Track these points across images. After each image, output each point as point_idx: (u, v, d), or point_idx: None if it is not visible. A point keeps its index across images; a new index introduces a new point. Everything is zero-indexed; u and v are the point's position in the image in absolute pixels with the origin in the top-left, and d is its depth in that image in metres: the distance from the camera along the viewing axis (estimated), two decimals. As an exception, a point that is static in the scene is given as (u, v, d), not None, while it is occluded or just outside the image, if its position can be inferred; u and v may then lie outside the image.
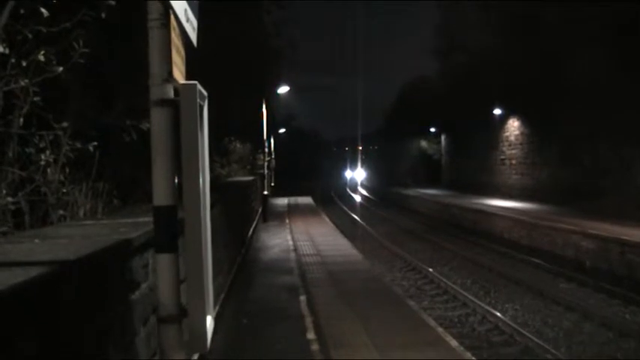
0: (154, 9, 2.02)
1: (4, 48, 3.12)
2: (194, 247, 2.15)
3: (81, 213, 3.90)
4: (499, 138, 28.11)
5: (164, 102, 2.05)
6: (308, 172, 76.13)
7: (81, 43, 3.50)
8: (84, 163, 4.03)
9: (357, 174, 73.22)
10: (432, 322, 7.51)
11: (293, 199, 33.17)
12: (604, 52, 16.49)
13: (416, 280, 13.61)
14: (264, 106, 21.85)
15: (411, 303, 8.89)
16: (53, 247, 2.25)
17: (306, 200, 34.05)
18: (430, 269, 14.27)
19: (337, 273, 10.52)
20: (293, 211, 25.75)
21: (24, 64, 3.29)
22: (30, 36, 3.27)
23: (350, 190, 61.39)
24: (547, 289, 11.80)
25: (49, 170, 3.65)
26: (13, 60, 3.24)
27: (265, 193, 22.05)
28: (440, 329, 7.15)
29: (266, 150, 25.07)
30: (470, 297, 11.21)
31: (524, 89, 22.06)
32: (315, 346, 6.12)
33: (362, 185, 66.09)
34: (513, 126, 26.70)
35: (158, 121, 2.06)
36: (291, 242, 14.83)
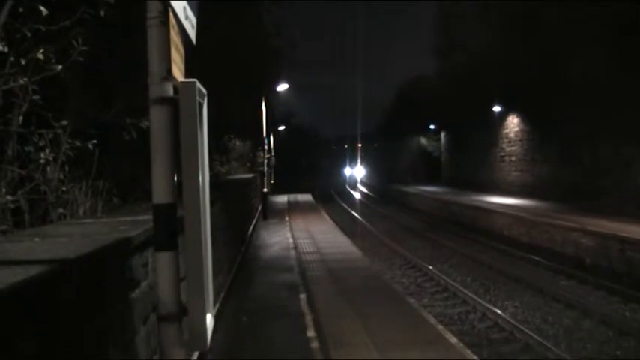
0: (153, 7, 2.02)
1: (3, 46, 3.12)
2: (194, 245, 2.15)
3: (81, 211, 3.90)
4: (499, 135, 28.10)
5: (163, 100, 2.05)
6: (308, 169, 76.13)
7: (80, 41, 3.49)
8: (83, 161, 4.03)
9: (356, 172, 73.25)
10: (432, 320, 7.52)
11: (293, 197, 33.20)
12: (604, 52, 16.48)
13: (416, 278, 13.62)
14: (263, 104, 21.84)
15: (411, 300, 8.90)
16: (53, 245, 2.25)
17: (306, 198, 34.08)
18: (430, 266, 14.28)
19: (337, 270, 10.53)
20: (293, 208, 25.76)
21: (23, 62, 3.28)
22: (29, 34, 3.26)
23: (349, 187, 61.41)
24: (547, 286, 11.81)
25: (48, 169, 3.65)
26: (12, 58, 3.24)
27: (265, 190, 22.05)
28: (440, 326, 7.16)
29: (266, 148, 25.08)
30: (470, 294, 11.22)
31: (524, 89, 22.06)
32: (315, 344, 6.13)
33: (362, 183, 66.09)
34: (513, 123, 26.68)
35: (157, 119, 2.05)
36: (291, 240, 14.84)
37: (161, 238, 2.08)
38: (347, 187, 61.09)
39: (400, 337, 6.37)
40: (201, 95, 2.32)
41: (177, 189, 2.10)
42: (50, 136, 3.65)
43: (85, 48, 3.51)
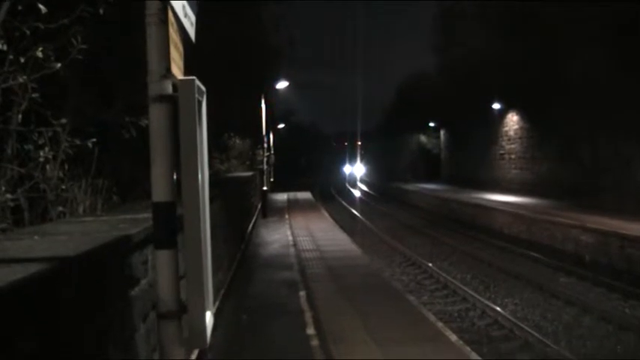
0: (152, 5, 2.02)
1: (2, 44, 3.11)
2: (193, 243, 2.15)
3: (80, 209, 3.90)
4: (498, 132, 28.09)
5: (162, 98, 2.05)
6: (307, 167, 76.17)
7: (79, 39, 3.49)
8: (83, 159, 4.03)
9: (356, 169, 73.23)
10: (432, 317, 7.53)
11: (292, 195, 33.19)
12: (604, 52, 16.45)
13: (415, 275, 13.63)
14: (263, 103, 21.82)
15: (411, 298, 8.91)
16: (52, 243, 2.25)
17: (306, 195, 34.08)
18: (430, 264, 14.28)
19: (337, 268, 10.54)
20: (292, 206, 25.75)
21: (22, 60, 3.28)
22: (28, 32, 3.26)
23: (349, 185, 61.40)
24: (547, 283, 11.82)
25: (48, 167, 3.65)
26: (11, 56, 3.24)
27: (265, 188, 22.03)
28: (439, 324, 7.17)
29: (265, 145, 25.05)
30: (469, 291, 11.23)
31: (524, 88, 22.04)
32: (314, 342, 6.14)
33: (361, 180, 66.06)
34: (512, 120, 26.66)
35: (157, 117, 2.05)
36: (290, 238, 14.85)
37: (161, 236, 2.08)
38: (347, 185, 61.07)
39: (400, 335, 6.38)
40: (201, 93, 2.32)
41: (177, 187, 2.10)
42: (49, 134, 3.65)
43: (84, 46, 3.51)
